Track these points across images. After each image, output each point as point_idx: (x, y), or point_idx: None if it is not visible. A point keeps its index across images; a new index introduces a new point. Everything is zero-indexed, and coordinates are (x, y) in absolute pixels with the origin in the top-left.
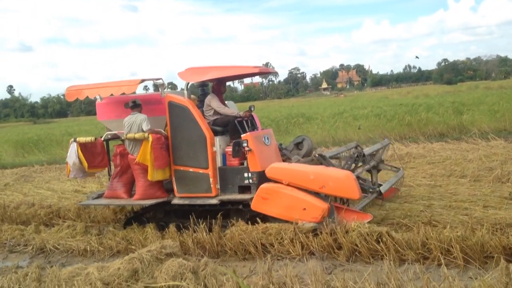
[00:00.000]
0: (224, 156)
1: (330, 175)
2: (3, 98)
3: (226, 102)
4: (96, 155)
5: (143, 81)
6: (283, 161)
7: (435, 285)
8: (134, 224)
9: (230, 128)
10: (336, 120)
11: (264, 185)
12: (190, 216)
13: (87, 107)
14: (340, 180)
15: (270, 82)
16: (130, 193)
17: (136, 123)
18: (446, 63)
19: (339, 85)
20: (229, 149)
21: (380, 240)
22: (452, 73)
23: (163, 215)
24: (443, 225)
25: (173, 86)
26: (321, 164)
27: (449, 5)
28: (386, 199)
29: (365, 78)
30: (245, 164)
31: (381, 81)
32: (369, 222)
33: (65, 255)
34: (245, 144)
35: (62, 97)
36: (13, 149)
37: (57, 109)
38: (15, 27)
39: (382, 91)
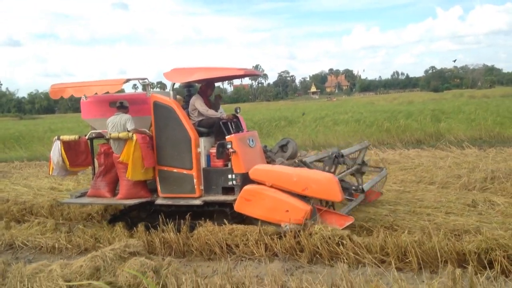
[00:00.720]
0: (208, 157)
1: (313, 177)
2: None
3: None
4: (79, 153)
5: (128, 80)
6: (267, 163)
7: (385, 287)
8: (120, 223)
9: (215, 129)
10: (317, 124)
11: (247, 187)
12: (159, 216)
13: (74, 104)
14: (323, 182)
15: (260, 85)
16: (113, 192)
17: (120, 123)
18: (434, 70)
19: (328, 89)
20: (214, 150)
21: (341, 243)
22: (439, 80)
23: (146, 215)
24: (404, 230)
25: (162, 86)
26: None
27: (438, 14)
28: (370, 203)
29: (354, 83)
30: (229, 166)
31: (369, 86)
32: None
33: (33, 251)
34: (229, 146)
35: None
36: None
37: (45, 105)
38: (3, 21)
39: (369, 97)
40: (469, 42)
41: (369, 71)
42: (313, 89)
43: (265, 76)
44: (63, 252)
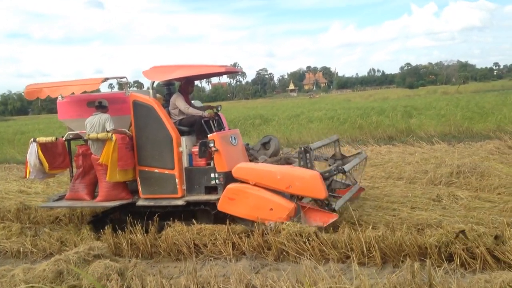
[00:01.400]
0: (190, 156)
1: (297, 174)
2: None
3: (193, 101)
4: (57, 155)
5: (106, 79)
6: (250, 161)
7: (347, 282)
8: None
9: (197, 128)
10: (292, 122)
11: (230, 185)
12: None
13: (48, 105)
14: (306, 179)
15: (238, 83)
16: (92, 194)
17: (99, 123)
18: (409, 67)
19: (306, 87)
20: (196, 149)
21: (308, 240)
22: (414, 77)
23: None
24: (369, 225)
25: (139, 85)
26: (288, 163)
27: (413, 11)
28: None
29: (331, 81)
30: (212, 165)
31: (346, 83)
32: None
33: None
34: (211, 144)
35: (23, 94)
36: None
37: (18, 106)
38: None
39: (346, 94)
40: (444, 39)
41: (346, 68)
42: (292, 86)
43: (244, 74)
44: (28, 256)
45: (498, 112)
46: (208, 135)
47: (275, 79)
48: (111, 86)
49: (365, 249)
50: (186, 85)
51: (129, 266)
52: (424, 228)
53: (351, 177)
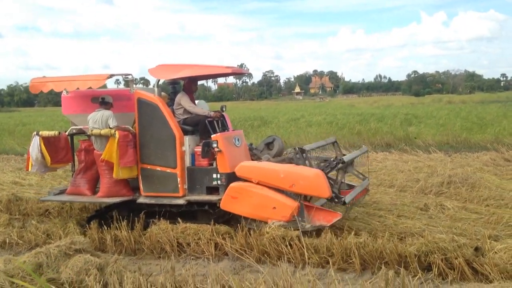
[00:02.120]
0: (193, 156)
1: (300, 173)
2: None
3: (198, 101)
4: (59, 149)
5: (111, 76)
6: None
7: (321, 287)
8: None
9: (201, 127)
10: (291, 125)
11: (233, 184)
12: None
13: (54, 98)
14: (310, 178)
15: (244, 84)
16: (93, 190)
17: (101, 120)
18: (416, 75)
19: (312, 90)
20: (199, 149)
21: (289, 244)
22: (421, 85)
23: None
24: (353, 231)
25: (145, 82)
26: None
27: (422, 19)
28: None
29: (338, 85)
30: (214, 165)
31: (352, 88)
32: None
33: None
34: (215, 145)
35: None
36: None
37: (24, 98)
38: None
39: (351, 99)
40: (452, 48)
41: (352, 74)
42: (297, 89)
43: (250, 76)
44: (13, 247)
45: (498, 124)
46: (212, 136)
47: (281, 81)
48: (117, 81)
49: (345, 255)
50: (189, 84)
51: (110, 262)
52: (407, 237)
53: (358, 174)
